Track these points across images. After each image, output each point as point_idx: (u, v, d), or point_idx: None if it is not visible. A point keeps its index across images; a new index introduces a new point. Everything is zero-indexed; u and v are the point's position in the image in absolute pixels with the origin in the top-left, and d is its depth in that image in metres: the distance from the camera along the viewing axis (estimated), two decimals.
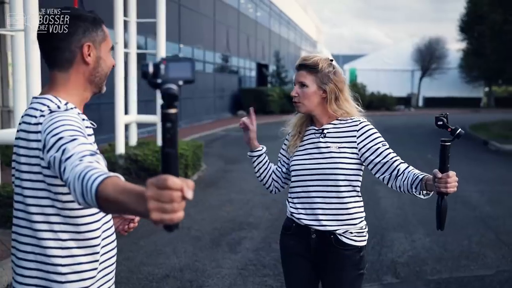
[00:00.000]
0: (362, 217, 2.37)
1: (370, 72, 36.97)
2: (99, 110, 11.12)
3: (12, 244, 1.66)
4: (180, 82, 1.04)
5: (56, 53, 1.64)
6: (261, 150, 2.51)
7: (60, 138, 1.44)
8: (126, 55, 8.60)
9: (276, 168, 2.56)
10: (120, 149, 8.09)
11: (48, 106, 1.57)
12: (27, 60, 5.17)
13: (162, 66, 1.04)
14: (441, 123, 2.15)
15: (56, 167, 1.42)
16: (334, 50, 59.80)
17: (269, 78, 31.73)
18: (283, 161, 2.53)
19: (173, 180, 1.00)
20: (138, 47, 10.19)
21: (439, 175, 2.02)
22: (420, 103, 39.59)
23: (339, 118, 2.35)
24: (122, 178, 1.26)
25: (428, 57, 38.92)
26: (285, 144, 2.52)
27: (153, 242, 5.39)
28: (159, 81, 1.04)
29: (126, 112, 8.47)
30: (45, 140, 1.48)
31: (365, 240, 2.38)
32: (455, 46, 40.63)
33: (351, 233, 2.32)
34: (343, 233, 2.31)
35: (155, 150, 8.19)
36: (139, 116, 9.03)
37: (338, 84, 2.33)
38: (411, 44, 40.67)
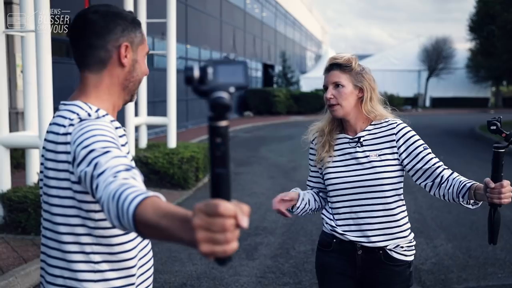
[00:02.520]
0: (410, 228, 2.20)
1: (376, 72, 35.88)
2: None
3: (41, 265, 1.51)
4: (232, 89, 0.87)
5: (90, 51, 1.47)
6: (300, 200, 2.20)
7: (92, 151, 1.28)
8: None
9: (317, 193, 2.30)
10: (130, 151, 7.93)
11: (77, 114, 1.41)
12: (38, 62, 5.04)
13: (210, 70, 0.87)
14: (494, 127, 1.97)
15: (87, 183, 1.27)
16: (338, 51, 59.62)
17: (275, 78, 31.57)
18: (319, 179, 2.27)
19: (225, 206, 0.84)
20: None
21: (492, 184, 1.85)
22: (427, 103, 39.34)
23: (373, 123, 2.16)
24: (162, 197, 1.09)
25: (435, 57, 38.64)
26: (311, 159, 2.27)
27: (168, 249, 5.24)
28: (206, 88, 0.86)
29: (136, 114, 8.34)
30: (75, 152, 1.32)
31: (414, 254, 2.21)
32: (461, 46, 40.32)
33: (402, 247, 2.14)
34: (393, 248, 2.13)
35: (166, 152, 8.05)
36: (149, 117, 8.90)
37: (370, 83, 2.16)
38: (417, 44, 40.38)
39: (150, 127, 10.36)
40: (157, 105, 12.92)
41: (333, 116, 2.16)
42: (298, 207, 2.18)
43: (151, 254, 1.59)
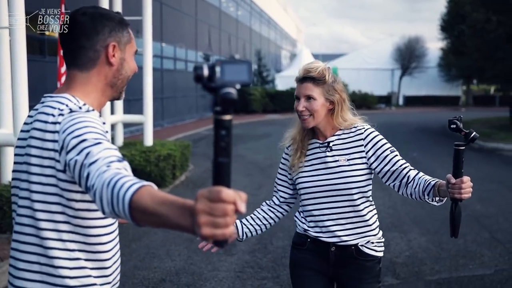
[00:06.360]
0: (378, 225, 2.29)
1: (351, 71, 37.02)
2: None
3: (11, 254, 1.52)
4: (237, 86, 0.95)
5: (80, 52, 1.53)
6: (240, 231, 2.31)
7: (83, 140, 1.33)
8: None
9: (278, 197, 2.37)
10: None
11: (67, 105, 1.45)
12: (13, 59, 4.98)
13: (218, 69, 0.95)
14: (454, 126, 2.05)
15: (76, 171, 1.31)
16: (313, 50, 60.00)
17: None
18: (286, 184, 2.34)
19: (227, 192, 0.91)
20: None
21: (453, 180, 1.92)
22: (401, 101, 39.92)
23: (342, 128, 2.22)
24: (155, 186, 1.16)
25: (408, 56, 39.23)
26: (283, 163, 2.34)
27: (146, 245, 5.25)
28: (215, 85, 0.94)
29: (112, 112, 8.30)
30: (64, 141, 1.36)
31: (383, 250, 2.30)
32: (433, 45, 41.06)
33: (372, 243, 2.23)
34: (364, 243, 2.22)
35: (142, 150, 8.03)
36: (125, 116, 8.88)
37: (341, 94, 2.20)
38: (390, 43, 40.93)
39: (125, 125, 10.32)
40: (132, 104, 12.84)
41: (304, 127, 2.22)
42: (242, 237, 2.32)
43: (119, 251, 1.63)
